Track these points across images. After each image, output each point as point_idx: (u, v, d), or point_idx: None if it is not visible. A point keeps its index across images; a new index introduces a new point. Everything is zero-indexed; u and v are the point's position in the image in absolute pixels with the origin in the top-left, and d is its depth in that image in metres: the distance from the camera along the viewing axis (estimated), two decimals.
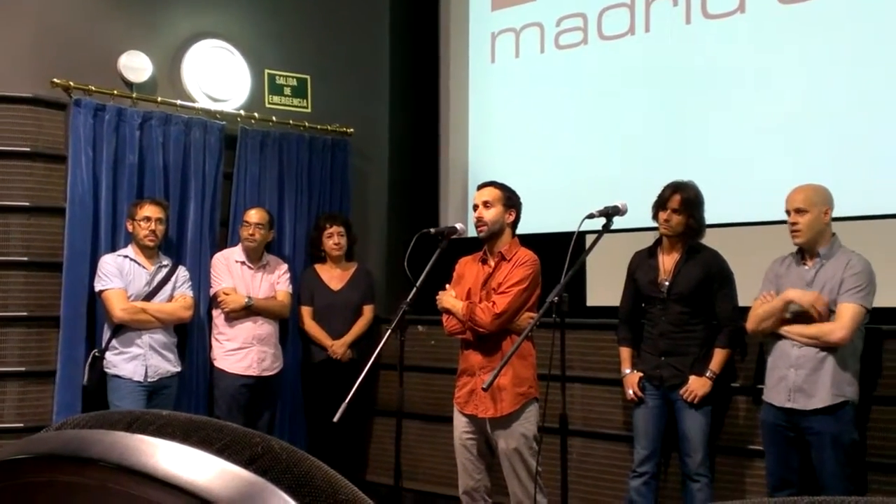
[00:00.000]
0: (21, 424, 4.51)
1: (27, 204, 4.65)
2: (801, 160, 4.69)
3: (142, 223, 4.60)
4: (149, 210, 4.63)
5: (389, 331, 3.66)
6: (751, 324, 3.90)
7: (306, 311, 5.33)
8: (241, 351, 4.99)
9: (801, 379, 3.73)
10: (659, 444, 4.19)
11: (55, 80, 4.65)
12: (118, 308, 4.50)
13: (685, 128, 5.17)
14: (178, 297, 4.73)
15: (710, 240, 4.21)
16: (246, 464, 0.63)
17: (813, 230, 3.76)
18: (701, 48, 5.16)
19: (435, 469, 5.29)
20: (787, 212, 3.81)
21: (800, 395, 3.73)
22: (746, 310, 4.05)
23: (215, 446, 0.65)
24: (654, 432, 4.17)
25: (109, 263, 4.58)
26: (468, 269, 4.11)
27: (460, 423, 4.02)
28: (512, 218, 4.04)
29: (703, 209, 4.15)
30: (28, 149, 4.66)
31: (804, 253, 3.84)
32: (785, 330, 3.80)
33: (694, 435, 4.06)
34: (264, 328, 5.06)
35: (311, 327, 5.31)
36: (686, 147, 5.13)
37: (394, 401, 3.84)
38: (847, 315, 3.66)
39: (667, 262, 4.17)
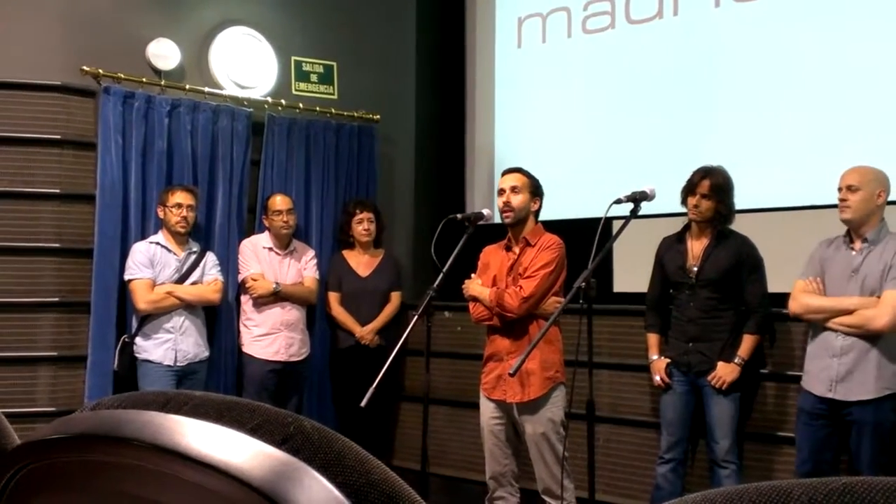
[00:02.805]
0: (53, 408, 4.57)
1: (58, 191, 4.71)
2: (833, 145, 4.63)
3: (173, 210, 4.64)
4: (180, 197, 4.66)
5: (416, 317, 3.66)
6: (797, 308, 3.83)
7: (334, 297, 5.36)
8: (269, 336, 5.03)
9: (844, 369, 3.66)
10: (686, 431, 4.17)
11: (85, 67, 4.69)
12: (142, 300, 4.56)
13: (714, 112, 5.12)
14: (209, 280, 4.77)
15: (739, 225, 4.17)
16: (279, 443, 0.64)
17: (862, 210, 3.66)
18: (730, 31, 5.10)
19: (462, 454, 5.31)
20: (839, 188, 3.71)
21: (842, 385, 3.66)
22: (776, 296, 4.02)
23: (248, 426, 0.66)
24: (682, 419, 4.15)
25: (141, 252, 4.62)
26: (493, 257, 4.11)
27: (487, 409, 4.03)
28: (537, 206, 4.05)
29: (733, 194, 4.11)
30: (58, 136, 4.71)
31: (851, 236, 3.76)
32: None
33: (722, 421, 4.03)
34: (292, 314, 5.09)
35: (339, 313, 5.33)
36: (715, 132, 5.08)
37: (420, 386, 3.85)
38: (890, 301, 3.56)
39: (695, 247, 4.14)
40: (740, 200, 4.17)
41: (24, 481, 0.78)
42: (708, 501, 0.52)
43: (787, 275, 3.96)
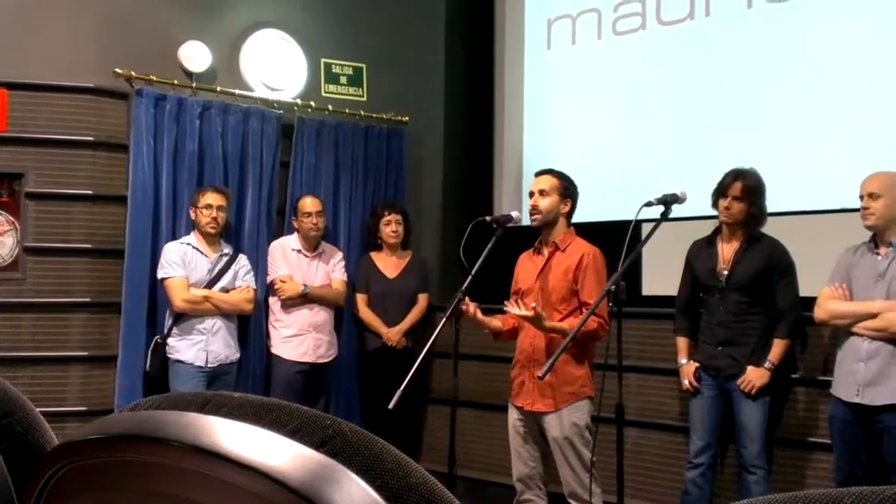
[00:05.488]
0: (84, 408, 4.63)
1: (90, 192, 4.76)
2: (866, 147, 4.57)
3: (204, 210, 4.68)
4: (211, 198, 4.70)
5: (444, 319, 3.65)
6: (823, 314, 3.82)
7: (361, 299, 5.37)
8: (297, 338, 5.05)
9: (871, 374, 3.63)
10: (716, 436, 4.13)
11: (117, 69, 4.73)
12: (179, 298, 4.58)
13: (746, 114, 5.07)
14: (243, 287, 4.79)
15: (771, 228, 4.13)
16: (317, 446, 0.64)
17: (885, 216, 3.66)
18: (762, 33, 5.05)
19: (489, 457, 5.30)
20: (861, 196, 3.71)
21: (869, 390, 3.63)
22: (808, 300, 3.97)
23: (287, 428, 0.66)
24: (711, 423, 4.12)
25: (173, 251, 4.66)
26: (522, 267, 4.08)
27: (514, 412, 4.02)
28: (567, 208, 3.98)
29: (765, 197, 4.07)
30: (91, 138, 4.76)
31: (877, 241, 3.75)
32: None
33: (751, 426, 3.99)
34: (320, 315, 5.11)
35: (367, 315, 5.35)
36: (747, 134, 5.03)
37: (448, 389, 3.85)
38: None
39: (726, 250, 4.11)
40: (772, 203, 4.13)
41: (64, 481, 0.78)
42: None
43: (818, 279, 3.92)
